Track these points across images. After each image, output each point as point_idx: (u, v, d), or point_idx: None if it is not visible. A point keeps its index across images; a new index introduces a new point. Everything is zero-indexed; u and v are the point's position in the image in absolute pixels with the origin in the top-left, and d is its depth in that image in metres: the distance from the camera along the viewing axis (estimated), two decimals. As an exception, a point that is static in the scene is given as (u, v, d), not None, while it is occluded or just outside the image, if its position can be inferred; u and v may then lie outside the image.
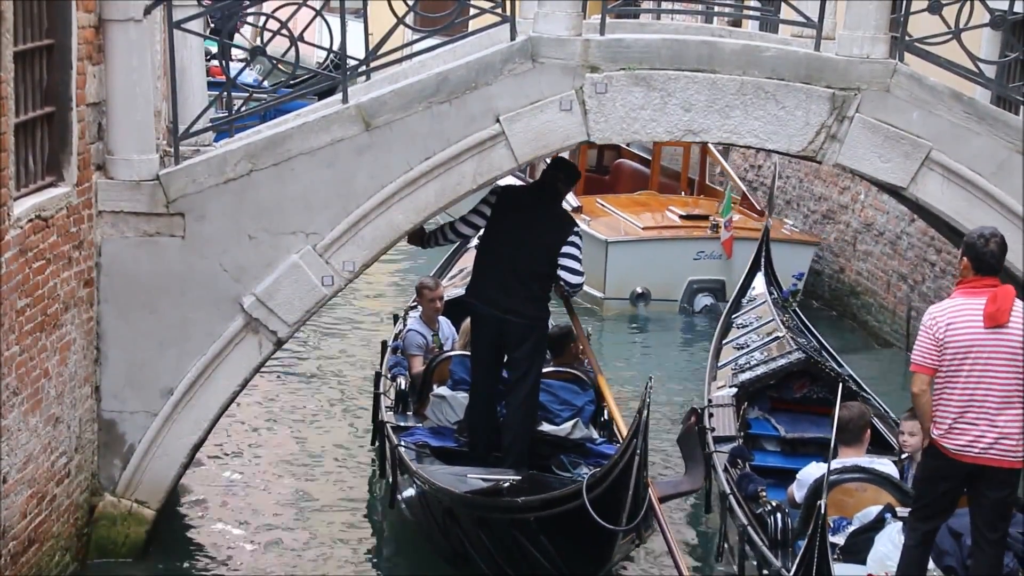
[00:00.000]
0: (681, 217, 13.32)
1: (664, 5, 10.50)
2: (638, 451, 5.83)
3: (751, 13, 9.71)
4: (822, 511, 4.81)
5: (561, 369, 7.97)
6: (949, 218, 6.71)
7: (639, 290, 13.08)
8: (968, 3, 6.68)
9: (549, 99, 6.48)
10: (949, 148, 6.61)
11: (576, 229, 7.33)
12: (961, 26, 6.71)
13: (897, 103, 6.63)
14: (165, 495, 6.70)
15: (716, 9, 10.24)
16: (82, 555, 6.60)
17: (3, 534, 5.50)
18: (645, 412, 5.80)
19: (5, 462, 5.40)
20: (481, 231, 7.51)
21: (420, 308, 8.70)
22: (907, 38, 6.85)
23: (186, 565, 7.08)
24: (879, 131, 6.58)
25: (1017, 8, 7.45)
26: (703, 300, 12.82)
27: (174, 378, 6.47)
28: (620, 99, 6.49)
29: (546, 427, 7.60)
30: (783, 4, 7.14)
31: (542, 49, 6.44)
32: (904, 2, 6.99)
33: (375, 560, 7.87)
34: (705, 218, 13.06)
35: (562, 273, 7.35)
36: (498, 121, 6.45)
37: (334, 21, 6.89)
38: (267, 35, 6.95)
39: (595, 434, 7.81)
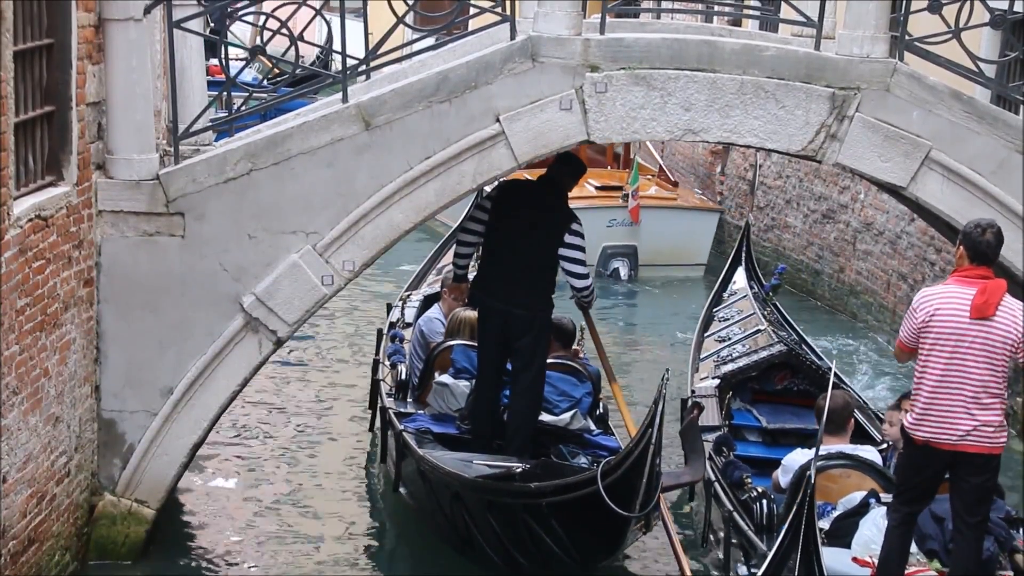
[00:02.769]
0: (596, 188, 14.62)
1: (664, 4, 10.48)
2: (653, 440, 5.93)
3: (751, 12, 9.70)
4: (811, 481, 4.98)
5: (560, 361, 8.10)
6: (949, 217, 6.71)
7: None
8: (968, 2, 6.68)
9: (549, 98, 6.47)
10: (949, 147, 6.61)
11: (575, 226, 7.38)
12: (961, 25, 6.71)
13: (897, 102, 6.63)
14: (165, 494, 6.69)
15: (716, 8, 10.26)
16: (82, 555, 6.59)
17: (3, 533, 5.50)
18: (661, 403, 5.92)
19: (5, 461, 5.39)
20: (484, 230, 7.63)
21: (443, 299, 8.92)
22: (907, 37, 6.85)
23: (186, 564, 7.08)
24: (879, 130, 6.58)
25: (1017, 7, 7.46)
26: (615, 263, 14.14)
27: (174, 378, 6.46)
28: (620, 98, 6.48)
29: (545, 417, 7.68)
30: (783, 3, 7.15)
31: (542, 48, 6.43)
32: (904, 1, 6.97)
33: (378, 548, 7.95)
34: (618, 189, 14.36)
35: (568, 278, 7.51)
36: (498, 120, 6.43)
37: (334, 21, 6.90)
38: (267, 34, 6.98)
39: (592, 425, 7.93)
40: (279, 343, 6.63)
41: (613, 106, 6.46)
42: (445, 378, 7.93)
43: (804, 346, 9.19)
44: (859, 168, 6.75)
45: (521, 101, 6.47)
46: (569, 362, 8.12)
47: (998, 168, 6.63)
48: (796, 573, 5.20)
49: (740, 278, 10.62)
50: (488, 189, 7.52)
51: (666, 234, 14.26)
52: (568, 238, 7.41)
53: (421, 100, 6.43)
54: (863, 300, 12.50)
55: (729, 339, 9.37)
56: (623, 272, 14.25)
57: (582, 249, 7.52)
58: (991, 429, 5.29)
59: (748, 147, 8.76)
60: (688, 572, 6.47)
